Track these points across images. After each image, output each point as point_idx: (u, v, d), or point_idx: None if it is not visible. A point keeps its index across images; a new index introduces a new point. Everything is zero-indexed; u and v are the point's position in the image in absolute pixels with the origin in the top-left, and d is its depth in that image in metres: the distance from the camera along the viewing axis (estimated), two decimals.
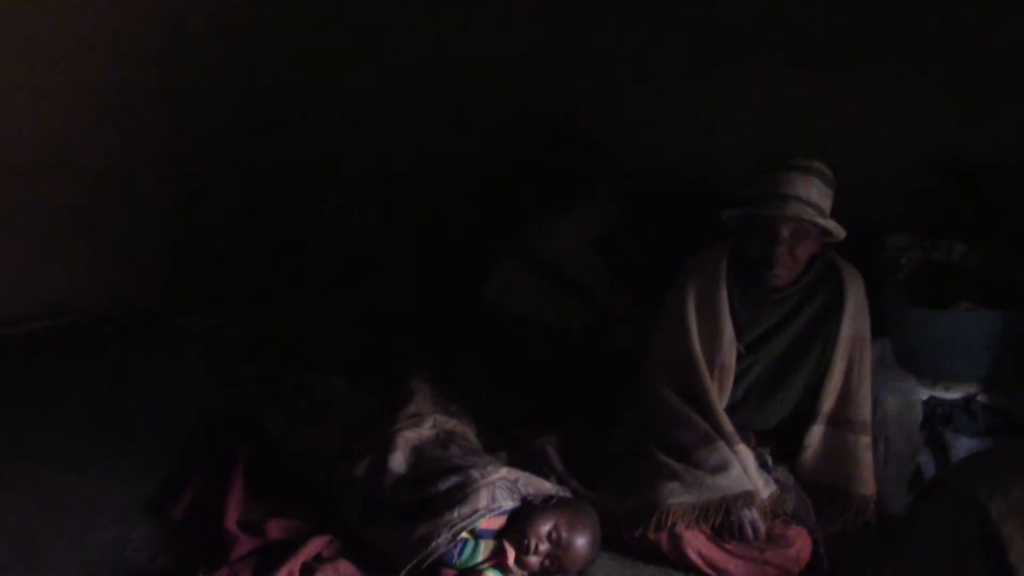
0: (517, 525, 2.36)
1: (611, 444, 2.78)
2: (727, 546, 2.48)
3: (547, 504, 2.42)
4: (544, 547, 2.33)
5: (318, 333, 3.65)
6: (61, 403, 3.16)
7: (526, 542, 2.32)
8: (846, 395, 2.67)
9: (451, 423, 2.82)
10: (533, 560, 2.33)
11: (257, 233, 3.99)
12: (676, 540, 2.47)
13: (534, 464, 2.70)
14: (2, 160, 3.55)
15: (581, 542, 2.36)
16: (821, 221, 2.51)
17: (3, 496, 2.62)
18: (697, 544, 2.47)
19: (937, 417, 3.05)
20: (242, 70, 3.88)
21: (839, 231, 2.54)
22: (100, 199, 3.82)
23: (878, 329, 2.99)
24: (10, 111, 3.52)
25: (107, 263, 3.86)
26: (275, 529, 2.44)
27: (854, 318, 2.66)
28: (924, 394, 3.05)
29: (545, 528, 2.34)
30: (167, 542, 2.49)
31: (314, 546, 2.36)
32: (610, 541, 2.51)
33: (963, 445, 2.98)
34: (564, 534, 2.34)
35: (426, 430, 2.71)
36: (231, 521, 2.47)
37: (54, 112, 3.60)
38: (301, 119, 4.00)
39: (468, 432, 2.84)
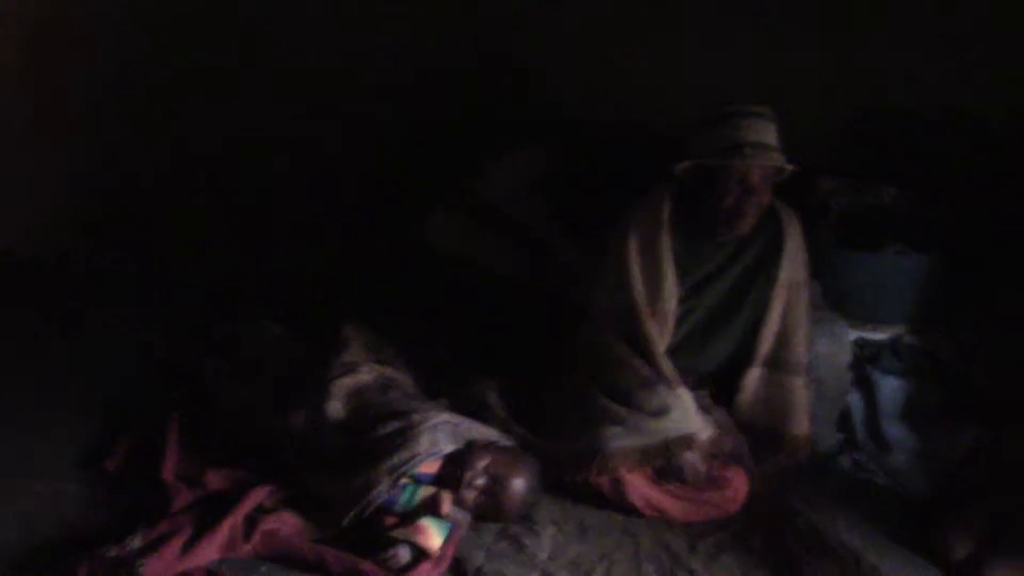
0: (456, 463, 2.37)
1: (553, 389, 2.80)
2: (668, 488, 2.54)
3: (489, 445, 2.43)
4: (480, 481, 2.36)
5: (253, 280, 3.56)
6: None
7: (462, 475, 2.33)
8: (783, 337, 2.72)
9: (389, 369, 2.79)
10: (469, 494, 2.34)
11: (191, 182, 3.87)
12: (618, 484, 2.51)
13: (475, 409, 2.71)
14: None
15: (518, 481, 2.39)
16: (789, 166, 2.54)
17: None
18: (639, 487, 2.52)
19: (865, 357, 3.14)
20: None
21: (789, 172, 2.58)
22: (32, 140, 3.66)
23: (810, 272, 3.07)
24: None
25: (36, 204, 3.71)
26: (214, 480, 2.40)
27: (792, 261, 2.70)
28: (852, 335, 3.12)
29: (482, 463, 2.37)
30: (104, 495, 2.43)
31: (255, 496, 2.32)
32: (553, 486, 2.55)
33: (889, 384, 3.08)
34: (501, 470, 2.37)
35: (364, 375, 2.68)
36: (168, 472, 2.43)
37: None
38: (231, 69, 3.87)
39: (405, 379, 2.81)
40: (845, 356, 3.06)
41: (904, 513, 2.68)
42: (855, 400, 3.09)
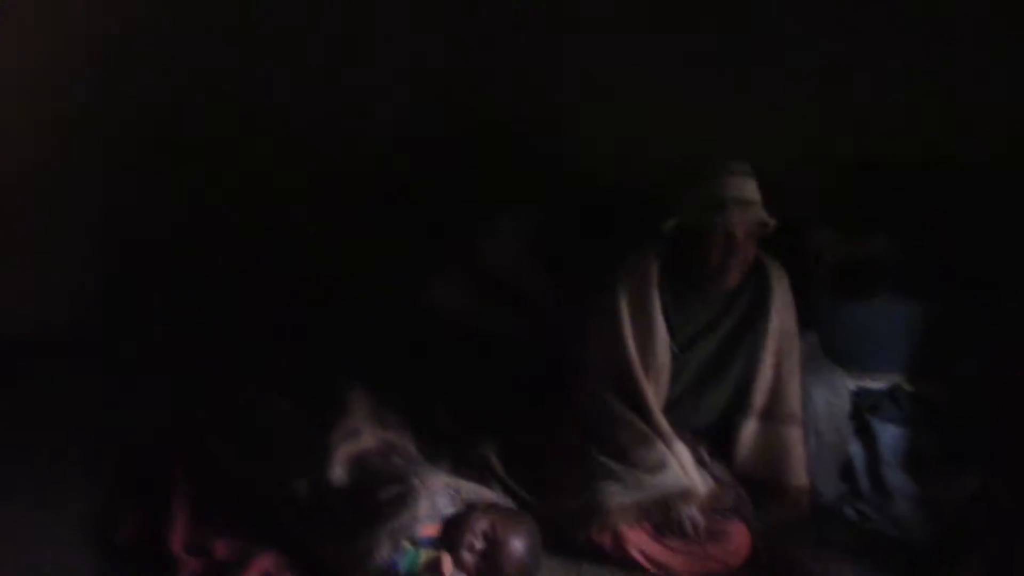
0: (456, 526, 2.40)
1: (551, 448, 2.83)
2: (669, 543, 2.56)
3: (489, 508, 2.46)
4: (480, 545, 2.37)
5: (257, 349, 3.63)
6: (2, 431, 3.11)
7: (461, 538, 2.36)
8: (776, 389, 2.76)
9: (390, 435, 2.83)
10: (468, 558, 2.36)
11: (191, 254, 3.96)
12: (619, 540, 2.54)
13: (477, 471, 2.75)
14: None
15: (517, 544, 2.39)
16: (771, 220, 2.60)
17: None
18: (639, 543, 2.54)
19: (865, 407, 3.16)
20: (168, 90, 3.86)
21: (772, 226, 2.64)
22: (32, 223, 3.76)
23: (804, 323, 3.10)
24: None
25: (39, 289, 3.80)
26: (222, 549, 2.45)
27: (781, 312, 2.75)
28: (851, 385, 3.15)
29: (481, 526, 2.38)
30: (113, 569, 2.48)
31: (261, 564, 2.37)
32: (555, 545, 2.56)
33: (889, 433, 3.09)
34: (501, 534, 2.38)
35: (366, 441, 2.73)
36: (177, 544, 2.47)
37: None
38: (231, 139, 3.98)
39: (408, 442, 2.86)
40: (845, 406, 3.07)
41: (908, 561, 2.69)
42: (857, 450, 3.10)
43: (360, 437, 2.74)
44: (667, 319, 2.74)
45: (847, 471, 3.09)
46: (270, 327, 3.85)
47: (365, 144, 4.12)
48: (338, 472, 2.58)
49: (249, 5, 3.94)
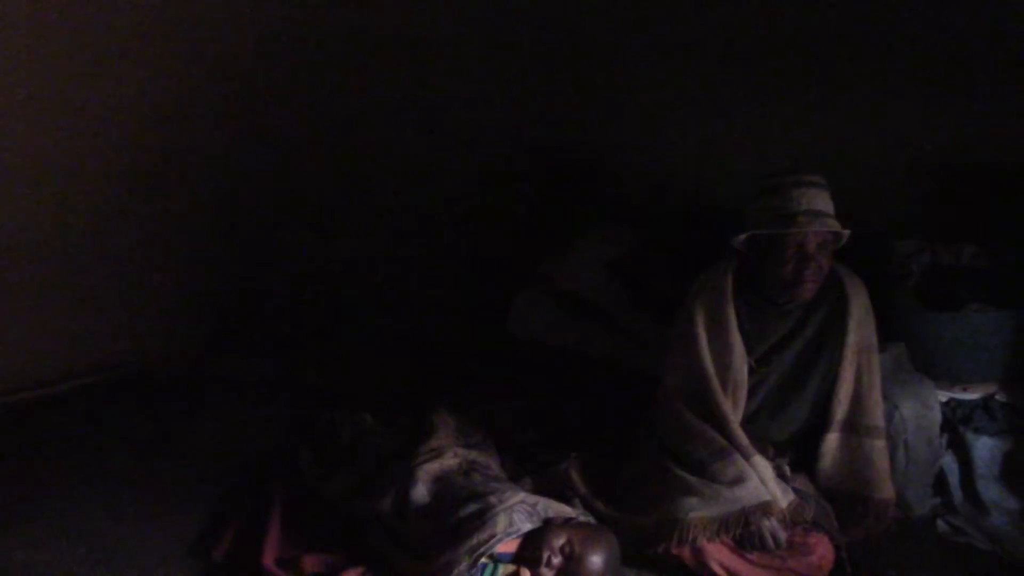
0: (534, 542, 2.44)
1: (631, 464, 2.86)
2: (749, 556, 2.54)
3: (566, 523, 2.50)
4: (557, 560, 2.40)
5: (348, 374, 3.76)
6: (107, 455, 3.31)
7: (539, 555, 2.39)
8: (857, 401, 2.73)
9: (473, 453, 2.90)
10: (547, 573, 2.39)
11: (287, 279, 4.14)
12: (698, 553, 2.54)
13: (558, 488, 2.80)
14: (40, 219, 3.72)
15: (595, 559, 2.42)
16: (844, 231, 2.59)
17: (53, 545, 2.74)
18: (719, 556, 2.53)
19: (957, 419, 3.08)
20: (270, 125, 4.05)
21: (846, 238, 2.62)
22: (142, 262, 3.99)
23: (893, 335, 3.06)
24: (43, 176, 3.70)
25: (144, 318, 4.02)
26: (310, 564, 2.54)
27: (859, 324, 2.72)
28: (942, 396, 3.09)
29: (559, 542, 2.42)
30: None
31: None
32: (635, 559, 2.59)
33: (984, 445, 3.02)
34: (578, 549, 2.41)
35: (448, 460, 2.80)
36: (269, 559, 2.57)
37: (91, 174, 3.78)
38: (325, 168, 4.15)
39: (491, 461, 2.92)
40: (935, 418, 3.02)
41: None
42: (949, 462, 3.04)
43: (443, 456, 2.82)
44: (743, 333, 2.74)
45: (940, 484, 3.03)
46: (367, 358, 3.97)
47: (461, 176, 4.24)
48: (420, 490, 2.65)
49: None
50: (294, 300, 4.22)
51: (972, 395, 3.12)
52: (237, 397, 3.72)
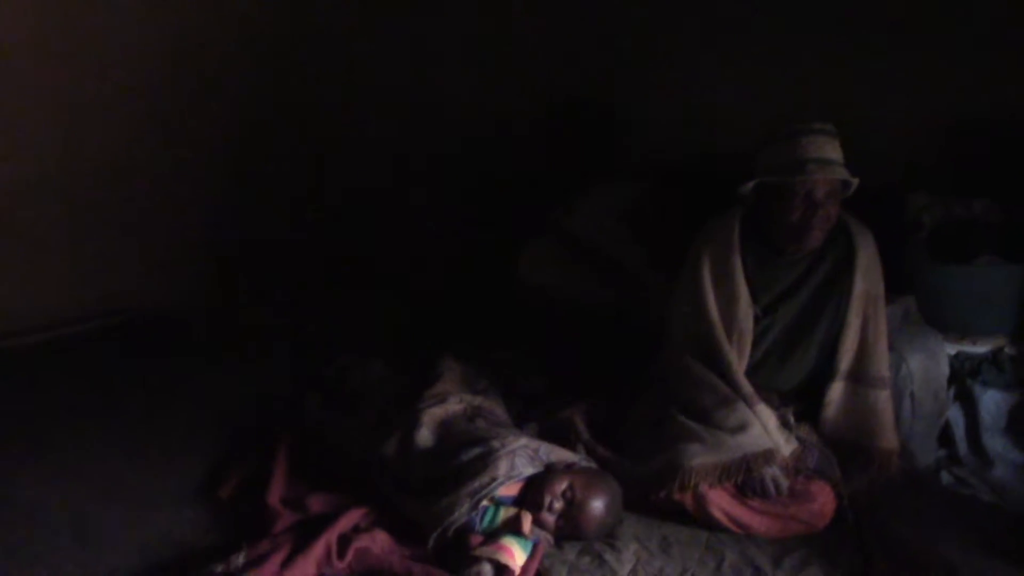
0: (535, 487, 2.46)
1: (635, 410, 2.86)
2: (751, 503, 2.56)
3: (567, 468, 2.51)
4: (558, 505, 2.42)
5: (356, 322, 3.78)
6: (121, 397, 3.37)
7: (540, 499, 2.41)
8: (863, 351, 2.72)
9: (478, 399, 2.91)
10: (548, 518, 2.42)
11: (295, 228, 4.15)
12: (700, 500, 2.55)
13: (562, 434, 2.80)
14: (54, 170, 3.74)
15: (596, 503, 2.44)
16: (853, 179, 2.58)
17: (66, 484, 2.79)
18: (721, 502, 2.55)
19: (965, 371, 3.08)
20: (276, 79, 4.04)
21: (855, 187, 2.61)
22: (151, 207, 4.01)
23: (902, 287, 3.05)
24: (58, 123, 3.71)
25: (159, 266, 4.05)
26: (315, 503, 2.56)
27: (866, 274, 2.70)
28: (951, 349, 3.08)
29: (560, 486, 2.44)
30: (217, 521, 2.63)
31: (351, 518, 2.47)
32: (638, 504, 2.60)
33: (991, 398, 3.02)
34: (579, 493, 2.43)
35: (453, 405, 2.81)
36: (274, 498, 2.60)
37: (101, 122, 3.78)
38: (335, 116, 4.13)
39: (496, 407, 2.93)
40: (942, 370, 3.02)
41: (1007, 528, 2.62)
42: (956, 415, 3.04)
43: (448, 401, 2.84)
44: (749, 282, 2.73)
45: (945, 437, 3.03)
46: (375, 304, 3.99)
47: (467, 118, 4.21)
48: (424, 435, 2.67)
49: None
50: (302, 249, 4.22)
51: (981, 348, 3.12)
52: (246, 343, 3.75)
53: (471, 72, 4.25)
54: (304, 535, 2.41)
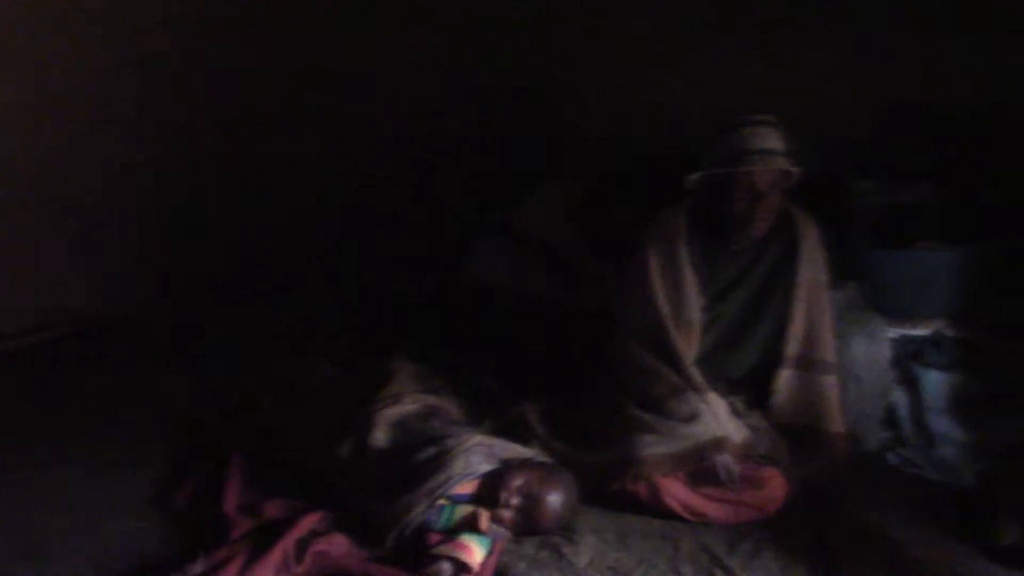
0: (492, 483, 2.47)
1: (588, 404, 2.90)
2: (704, 491, 2.59)
3: (523, 464, 2.53)
4: (515, 500, 2.44)
5: (306, 323, 3.76)
6: (65, 407, 3.31)
7: (497, 496, 2.43)
8: (809, 337, 2.78)
9: (432, 398, 2.92)
10: (505, 514, 2.43)
11: (244, 229, 4.10)
12: (655, 490, 2.58)
13: (517, 430, 2.83)
14: None
15: (553, 498, 2.46)
16: (795, 169, 2.63)
17: (13, 497, 2.72)
18: (675, 491, 2.58)
19: (907, 354, 3.15)
20: (222, 77, 3.99)
21: (798, 176, 2.66)
22: (94, 213, 3.93)
23: (846, 273, 3.11)
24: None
25: (103, 272, 3.98)
26: (271, 509, 2.54)
27: (810, 262, 2.77)
28: (893, 333, 3.15)
29: (516, 482, 2.46)
30: (172, 531, 2.58)
31: (308, 522, 2.46)
32: (594, 497, 2.63)
33: (933, 379, 3.10)
34: (535, 488, 2.45)
35: (407, 405, 2.81)
36: (230, 505, 2.58)
37: (48, 123, 3.70)
38: (276, 119, 4.10)
39: (450, 406, 2.94)
40: (886, 354, 3.09)
41: (952, 505, 2.69)
42: (900, 397, 3.11)
43: (401, 401, 2.83)
44: (697, 273, 2.78)
45: (890, 418, 3.10)
46: (322, 301, 3.97)
47: (408, 122, 4.20)
48: (379, 435, 2.67)
49: None
50: (253, 250, 4.18)
51: (922, 331, 3.19)
52: (195, 348, 3.71)
53: (412, 70, 4.23)
54: (261, 541, 2.39)
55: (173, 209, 4.09)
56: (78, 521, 2.61)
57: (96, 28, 3.68)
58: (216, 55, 3.97)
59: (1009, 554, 2.42)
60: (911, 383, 3.11)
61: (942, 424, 3.03)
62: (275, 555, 2.33)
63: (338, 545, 2.41)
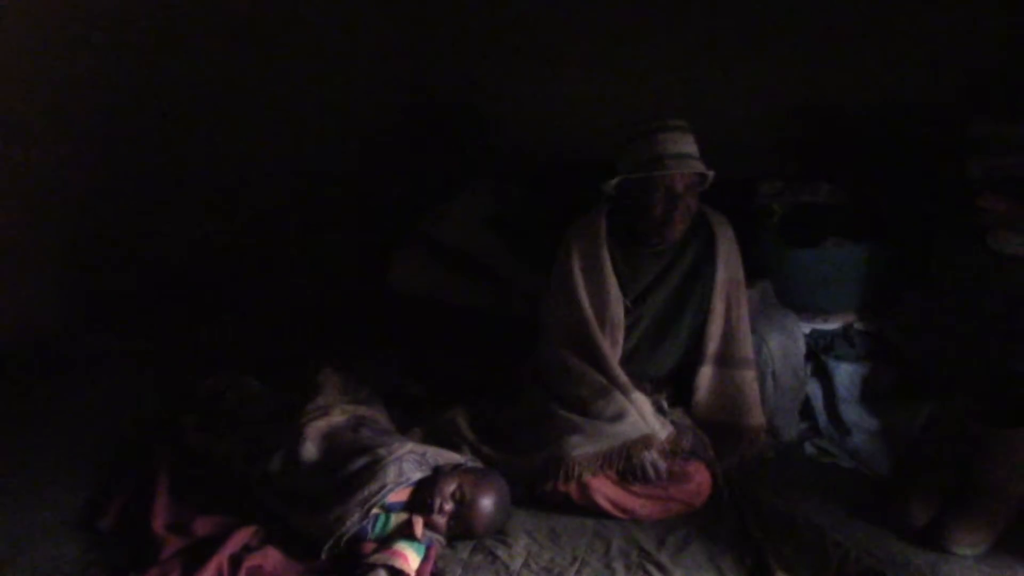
0: (425, 490, 2.50)
1: (516, 408, 2.93)
2: (633, 488, 2.66)
3: (455, 470, 2.56)
4: (449, 506, 2.47)
5: (230, 339, 3.72)
6: None
7: (431, 502, 2.46)
8: (728, 335, 2.88)
9: (361, 409, 2.92)
10: (439, 520, 2.46)
11: (156, 245, 4.03)
12: (585, 489, 2.64)
13: (447, 437, 2.85)
14: None
15: (485, 502, 2.50)
16: (709, 172, 2.72)
17: None
18: (604, 489, 2.64)
19: (819, 348, 3.27)
20: (133, 90, 3.91)
21: (711, 178, 2.75)
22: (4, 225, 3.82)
23: (758, 272, 3.21)
24: None
25: (13, 292, 3.86)
26: (202, 526, 2.52)
27: (727, 261, 2.86)
28: (806, 328, 3.26)
29: (449, 488, 2.49)
30: (99, 554, 2.53)
31: (240, 538, 2.44)
32: (525, 499, 2.68)
33: (844, 371, 3.21)
34: (468, 493, 2.49)
35: (336, 417, 2.81)
36: (158, 524, 2.54)
37: None
38: (192, 130, 4.04)
39: (379, 415, 2.94)
40: (800, 348, 3.18)
41: (867, 491, 2.80)
42: (814, 389, 3.22)
43: (330, 413, 2.83)
44: (618, 275, 2.85)
45: (806, 410, 3.21)
46: (244, 316, 3.93)
47: (328, 127, 4.17)
48: (309, 448, 2.66)
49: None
50: (170, 268, 4.11)
51: (832, 325, 3.30)
52: (117, 369, 3.63)
53: (331, 80, 4.20)
54: (193, 559, 2.38)
55: (88, 229, 3.99)
56: (2, 549, 2.55)
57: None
58: (128, 72, 3.89)
59: (922, 534, 2.53)
60: (824, 376, 3.22)
61: (854, 413, 3.14)
62: (209, 572, 2.31)
63: (272, 559, 2.40)
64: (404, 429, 2.93)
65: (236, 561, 2.37)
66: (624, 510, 2.64)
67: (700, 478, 2.71)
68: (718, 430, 2.85)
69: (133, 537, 2.56)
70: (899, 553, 2.48)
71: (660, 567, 2.44)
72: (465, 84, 4.21)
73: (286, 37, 4.08)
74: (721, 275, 2.85)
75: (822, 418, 3.17)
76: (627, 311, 2.86)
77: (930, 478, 2.65)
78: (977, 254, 3.03)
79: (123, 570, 2.41)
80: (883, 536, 2.56)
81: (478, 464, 2.69)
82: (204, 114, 4.04)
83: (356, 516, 2.41)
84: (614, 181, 2.74)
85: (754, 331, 2.99)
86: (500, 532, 2.56)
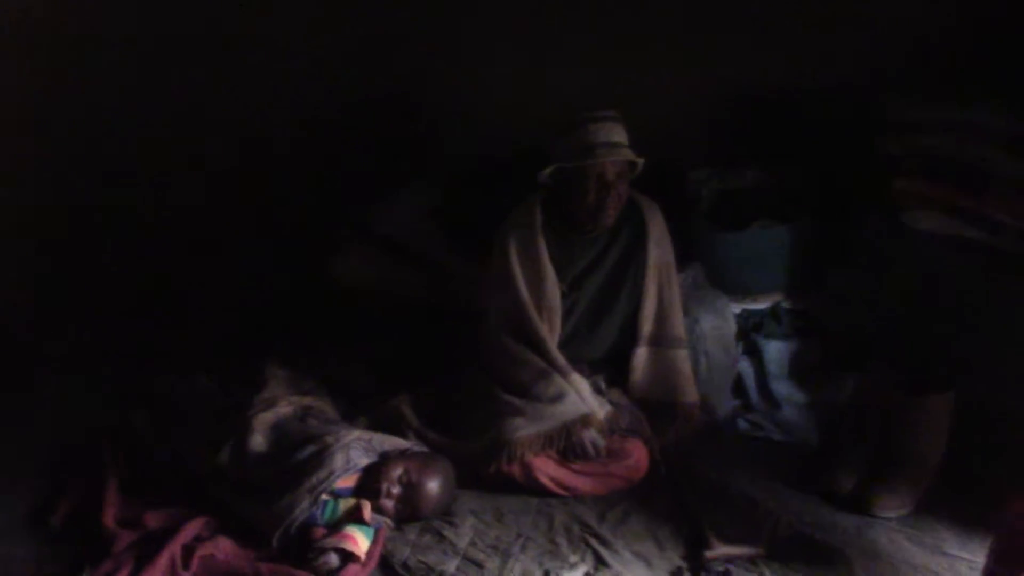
0: (372, 475, 2.57)
1: (459, 393, 3.02)
2: (573, 466, 2.76)
3: (401, 455, 2.64)
4: (396, 490, 2.56)
5: (176, 336, 3.73)
6: None
7: (378, 486, 2.54)
8: (661, 316, 2.99)
9: (307, 400, 2.98)
10: (387, 503, 2.54)
11: (109, 246, 4.02)
12: (527, 469, 2.73)
13: (392, 424, 2.92)
14: None
15: (432, 484, 2.59)
16: (639, 159, 2.81)
17: None
18: (546, 469, 2.74)
19: (749, 326, 3.40)
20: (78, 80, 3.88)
21: (642, 166, 2.85)
22: None
23: (689, 255, 3.33)
24: None
25: None
26: (153, 519, 2.55)
27: (658, 245, 2.97)
28: (736, 308, 3.39)
29: (396, 472, 2.57)
30: (52, 551, 2.54)
31: (192, 528, 2.49)
32: (470, 481, 2.76)
33: (774, 348, 3.35)
34: (414, 477, 2.57)
35: (282, 408, 2.87)
36: (109, 519, 2.57)
37: None
38: (138, 121, 4.01)
39: (325, 406, 3.00)
40: (731, 327, 3.31)
41: (796, 461, 2.94)
42: (746, 367, 3.35)
43: (277, 404, 2.88)
44: (553, 261, 2.95)
45: (738, 387, 3.34)
46: (189, 313, 3.93)
47: (267, 122, 4.16)
48: (257, 439, 2.72)
49: None
50: (118, 267, 4.07)
51: (761, 304, 3.44)
52: (63, 370, 3.61)
53: (269, 75, 4.19)
54: (146, 551, 2.42)
55: (32, 225, 3.95)
56: None
57: None
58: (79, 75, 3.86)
59: (848, 500, 2.69)
60: (754, 353, 3.35)
61: (784, 388, 3.27)
62: (162, 562, 2.36)
63: (224, 548, 2.45)
64: (350, 418, 2.99)
65: (189, 551, 2.42)
66: (566, 488, 2.74)
67: (638, 454, 2.82)
68: (654, 408, 2.96)
69: (85, 533, 2.57)
70: (827, 518, 2.63)
71: (602, 540, 2.54)
72: (407, 82, 4.21)
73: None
74: (653, 259, 2.96)
75: (753, 394, 3.30)
76: (563, 296, 2.96)
77: (854, 447, 2.78)
78: (894, 232, 3.18)
79: (77, 566, 2.44)
80: (812, 503, 2.71)
81: (424, 449, 2.77)
82: (145, 114, 4.01)
83: (306, 503, 2.47)
84: (548, 170, 2.83)
85: (686, 312, 3.10)
86: (447, 513, 2.65)
